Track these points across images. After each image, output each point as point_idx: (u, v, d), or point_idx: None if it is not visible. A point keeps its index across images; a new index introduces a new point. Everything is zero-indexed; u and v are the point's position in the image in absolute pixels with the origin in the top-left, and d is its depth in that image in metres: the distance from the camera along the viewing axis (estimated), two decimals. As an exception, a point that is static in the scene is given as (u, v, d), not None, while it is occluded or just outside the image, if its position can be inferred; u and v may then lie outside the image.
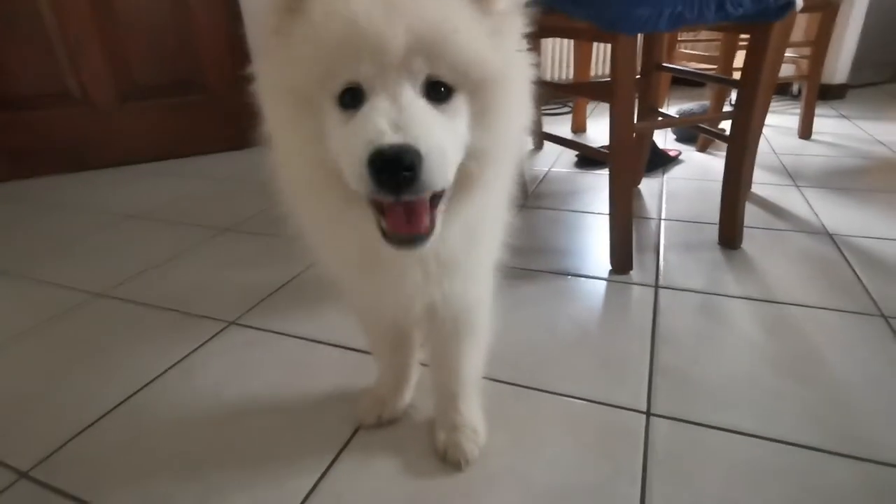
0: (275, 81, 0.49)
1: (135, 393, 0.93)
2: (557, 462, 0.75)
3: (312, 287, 1.25)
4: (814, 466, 0.73)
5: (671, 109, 2.47)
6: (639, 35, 1.16)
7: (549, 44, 3.10)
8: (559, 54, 3.19)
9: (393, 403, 0.84)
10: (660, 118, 1.71)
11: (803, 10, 1.25)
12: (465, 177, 0.48)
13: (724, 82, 1.76)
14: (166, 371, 0.98)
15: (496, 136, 0.48)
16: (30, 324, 1.16)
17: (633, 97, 1.15)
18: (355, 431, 0.82)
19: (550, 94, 2.44)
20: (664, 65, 1.63)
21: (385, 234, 0.47)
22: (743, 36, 2.15)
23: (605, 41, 1.29)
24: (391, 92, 0.43)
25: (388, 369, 0.84)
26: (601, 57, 3.29)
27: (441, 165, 0.43)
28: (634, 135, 1.22)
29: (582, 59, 2.52)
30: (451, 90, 0.45)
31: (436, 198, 0.47)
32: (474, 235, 0.58)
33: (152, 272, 1.37)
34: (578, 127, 2.62)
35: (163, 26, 2.32)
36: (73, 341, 1.10)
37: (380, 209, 0.47)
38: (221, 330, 1.10)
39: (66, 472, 0.78)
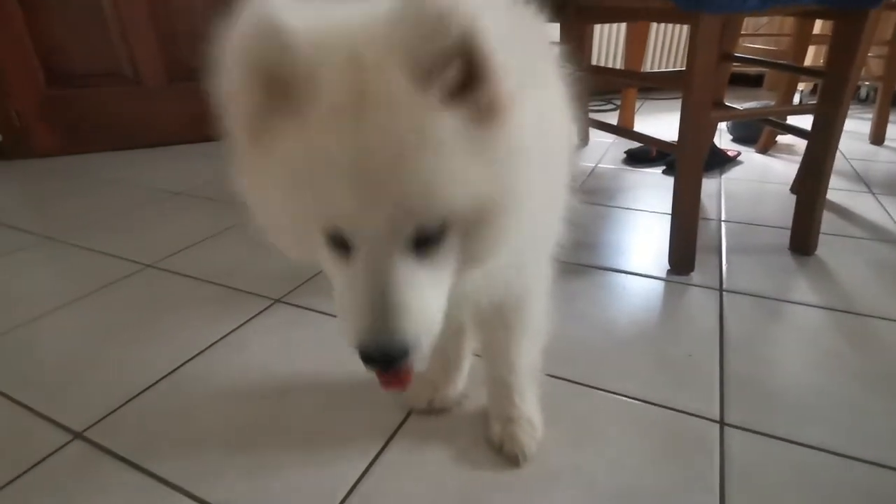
0: (257, 190, 0.44)
1: (185, 363, 0.92)
2: (622, 463, 0.70)
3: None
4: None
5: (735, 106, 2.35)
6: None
7: (596, 32, 2.96)
8: (608, 45, 3.05)
9: (444, 390, 0.79)
10: (727, 110, 1.62)
11: (882, 8, 1.15)
12: (467, 267, 0.43)
13: (808, 72, 1.65)
14: (214, 343, 0.97)
15: (490, 244, 0.42)
16: (83, 290, 1.16)
17: (711, 85, 1.08)
18: (406, 418, 0.78)
19: (604, 84, 2.35)
20: (734, 54, 1.54)
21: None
22: (816, 31, 2.04)
23: (684, 22, 1.22)
24: (375, 252, 0.39)
25: (439, 355, 0.80)
26: (656, 48, 3.17)
27: (425, 337, 0.41)
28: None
29: (635, 49, 2.40)
30: (443, 230, 0.39)
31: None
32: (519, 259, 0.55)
33: (199, 247, 1.37)
34: (626, 124, 2.51)
35: (210, 9, 2.32)
36: (124, 309, 1.09)
37: None
38: (267, 307, 1.08)
39: (118, 435, 0.77)
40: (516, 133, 0.37)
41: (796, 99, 2.55)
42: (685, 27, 2.97)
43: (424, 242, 0.39)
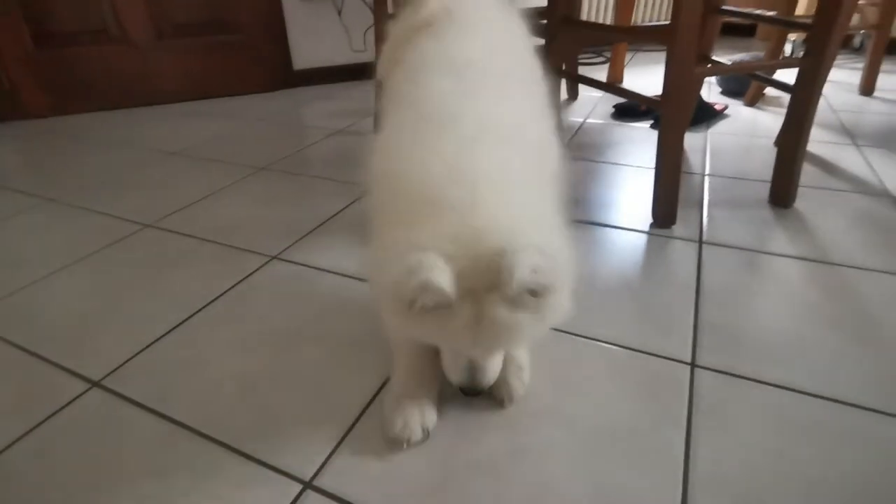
0: (400, 330, 0.71)
1: (189, 317, 0.97)
2: (601, 405, 0.76)
3: (351, 226, 1.27)
4: (868, 426, 0.72)
5: (721, 59, 2.35)
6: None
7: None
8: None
9: (431, 411, 0.74)
10: (712, 65, 1.63)
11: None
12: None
13: (795, 26, 1.65)
14: (215, 299, 1.02)
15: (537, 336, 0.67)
16: (86, 251, 1.20)
17: (696, 40, 1.09)
18: (400, 366, 0.83)
19: (591, 40, 2.33)
20: (723, 7, 1.54)
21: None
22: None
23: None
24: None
25: (417, 377, 0.76)
26: (646, 2, 3.12)
27: (493, 379, 0.72)
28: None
29: (624, 3, 2.38)
30: None
31: None
32: None
33: (197, 206, 1.40)
34: (615, 77, 2.51)
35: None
36: (127, 268, 1.14)
37: None
38: (265, 263, 1.12)
39: (134, 383, 0.82)
40: (554, 304, 0.60)
41: (788, 49, 2.55)
42: None
43: None
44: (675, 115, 1.17)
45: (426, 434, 0.72)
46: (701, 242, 1.17)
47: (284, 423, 0.75)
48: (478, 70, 0.74)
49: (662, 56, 1.13)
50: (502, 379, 0.75)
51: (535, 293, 0.56)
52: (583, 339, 0.89)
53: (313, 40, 2.56)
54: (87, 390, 0.81)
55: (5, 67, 2.09)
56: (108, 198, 1.46)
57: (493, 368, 0.71)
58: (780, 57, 2.11)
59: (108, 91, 2.29)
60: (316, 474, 0.67)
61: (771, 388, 0.78)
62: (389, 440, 0.71)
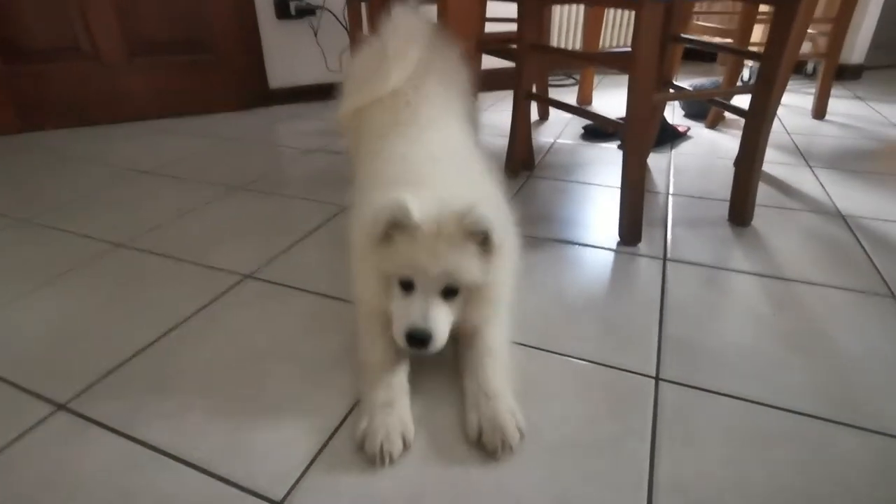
0: (369, 268, 0.81)
1: (161, 336, 0.97)
2: (567, 418, 0.79)
3: (324, 244, 1.28)
4: (818, 434, 0.76)
5: (682, 84, 2.44)
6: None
7: (557, 11, 3.02)
8: (567, 23, 3.11)
9: (409, 420, 0.76)
10: (674, 91, 1.70)
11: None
12: (466, 319, 0.82)
13: (747, 55, 1.74)
14: (188, 318, 1.01)
15: (484, 308, 0.82)
16: (56, 270, 1.19)
17: (655, 68, 1.15)
18: (372, 383, 0.84)
19: (560, 63, 2.40)
20: (682, 36, 1.62)
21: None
22: (762, 9, 2.13)
23: (629, 7, 1.28)
24: (426, 291, 0.77)
25: (386, 388, 0.78)
26: (613, 26, 3.23)
27: (440, 340, 0.77)
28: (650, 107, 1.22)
29: (592, 29, 2.47)
30: (457, 290, 0.78)
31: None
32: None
33: (168, 226, 1.39)
34: (584, 99, 2.59)
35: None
36: (98, 289, 1.12)
37: None
38: (237, 283, 1.13)
39: (102, 405, 0.81)
40: (499, 261, 0.79)
41: (746, 73, 2.67)
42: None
43: (447, 294, 0.78)
44: (637, 137, 1.22)
45: (408, 445, 0.73)
46: (665, 260, 1.21)
47: (256, 443, 0.75)
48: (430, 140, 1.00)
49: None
50: (495, 425, 0.72)
51: (485, 236, 0.74)
52: (550, 353, 0.91)
53: (289, 60, 2.59)
54: (52, 413, 0.80)
55: (-29, 83, 2.06)
56: (78, 217, 1.44)
57: (439, 317, 0.77)
58: (739, 80, 2.22)
59: (79, 108, 2.26)
60: (288, 494, 0.68)
61: (730, 399, 0.82)
62: (371, 456, 0.71)
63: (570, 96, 2.66)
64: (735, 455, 0.73)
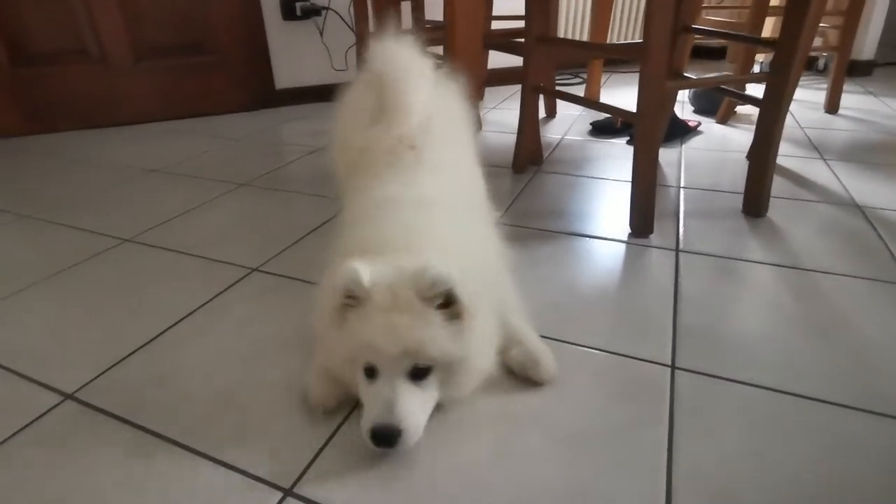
0: (329, 353, 0.74)
1: (167, 329, 0.96)
2: (582, 408, 0.76)
3: (332, 239, 1.26)
4: (838, 422, 0.74)
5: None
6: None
7: (563, 4, 2.98)
8: (574, 16, 3.07)
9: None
10: (683, 80, 1.68)
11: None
12: (448, 397, 0.73)
13: (761, 43, 1.71)
14: (195, 311, 1.00)
15: (461, 384, 0.73)
16: (62, 265, 1.18)
17: (667, 55, 1.13)
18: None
19: (567, 60, 2.38)
20: (693, 27, 1.60)
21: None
22: (773, 3, 2.11)
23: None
24: (390, 376, 0.67)
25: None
26: (621, 20, 3.19)
27: (414, 433, 0.67)
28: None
29: (600, 22, 2.44)
30: (429, 369, 0.69)
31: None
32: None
33: (176, 221, 1.39)
34: (591, 96, 2.57)
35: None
36: (104, 281, 1.12)
37: None
38: (245, 276, 1.12)
39: (109, 395, 0.80)
40: (469, 329, 0.68)
41: (756, 69, 2.64)
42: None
43: (417, 375, 0.68)
44: (649, 127, 1.20)
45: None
46: (678, 251, 1.19)
47: (264, 432, 0.74)
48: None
49: (636, 77, 1.17)
50: (535, 358, 0.79)
51: (447, 300, 0.66)
52: (563, 343, 0.89)
53: (295, 60, 2.59)
54: (59, 403, 0.79)
55: (-22, 85, 2.07)
56: (84, 214, 1.44)
57: (408, 407, 0.66)
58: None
59: (85, 110, 2.27)
60: (296, 482, 0.66)
61: (748, 387, 0.80)
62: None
63: (577, 93, 2.64)
64: (754, 443, 0.70)
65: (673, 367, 0.84)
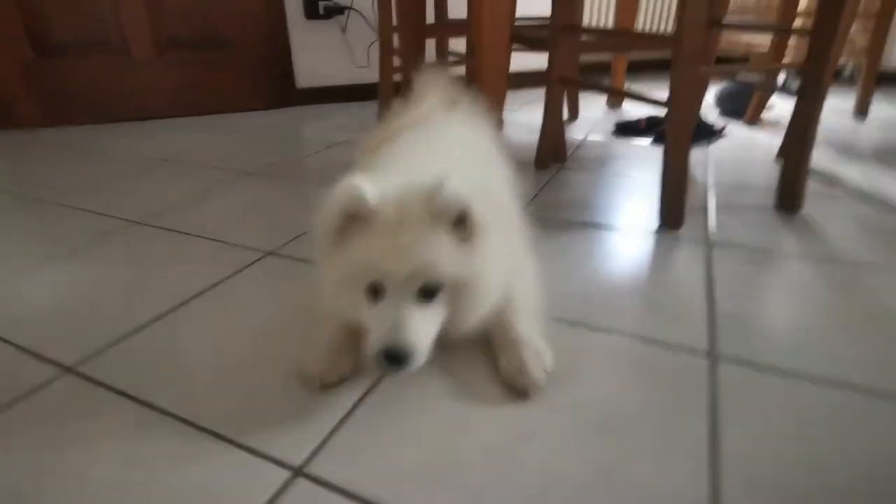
0: (331, 275, 0.68)
1: (176, 307, 0.92)
2: (613, 392, 0.71)
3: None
4: (886, 413, 0.68)
5: (715, 84, 2.37)
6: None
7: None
8: (598, 9, 2.96)
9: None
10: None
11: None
12: (454, 323, 0.68)
13: (797, 32, 1.66)
14: (205, 291, 0.96)
15: (469, 308, 0.68)
16: (71, 245, 1.15)
17: (701, 41, 1.09)
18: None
19: (594, 48, 2.31)
20: (723, 22, 1.55)
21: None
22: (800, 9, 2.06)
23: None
24: (397, 297, 0.63)
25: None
26: (647, 14, 3.06)
27: (421, 354, 0.63)
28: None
29: (625, 13, 2.39)
30: (436, 290, 0.65)
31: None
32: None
33: (188, 205, 1.36)
34: (614, 101, 2.54)
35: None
36: (112, 261, 1.09)
37: None
38: (258, 259, 1.08)
39: (110, 370, 0.76)
40: (480, 250, 0.65)
41: (781, 78, 2.58)
42: None
43: (426, 295, 0.64)
44: (682, 114, 1.15)
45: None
46: (709, 243, 1.13)
47: (274, 410, 0.69)
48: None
49: (661, 83, 1.13)
50: (519, 367, 0.69)
51: (461, 218, 0.63)
52: (589, 329, 0.84)
53: (317, 58, 2.58)
54: (58, 376, 0.75)
55: (1, 77, 2.07)
56: (95, 198, 1.42)
57: (417, 328, 0.63)
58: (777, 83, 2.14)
59: (104, 104, 2.27)
60: (307, 461, 0.61)
61: (791, 377, 0.74)
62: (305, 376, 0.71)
63: (598, 100, 2.61)
64: (803, 434, 0.64)
65: (711, 354, 0.78)
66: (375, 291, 0.65)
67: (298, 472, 0.60)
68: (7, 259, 1.10)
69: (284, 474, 0.60)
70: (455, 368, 0.75)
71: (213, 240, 1.16)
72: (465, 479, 0.59)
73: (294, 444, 0.63)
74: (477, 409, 0.69)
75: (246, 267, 1.04)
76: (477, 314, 0.69)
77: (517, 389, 0.70)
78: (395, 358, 0.62)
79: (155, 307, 0.91)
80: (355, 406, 0.69)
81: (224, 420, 0.67)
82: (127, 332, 0.85)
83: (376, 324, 0.64)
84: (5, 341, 0.82)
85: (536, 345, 0.72)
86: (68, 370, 0.76)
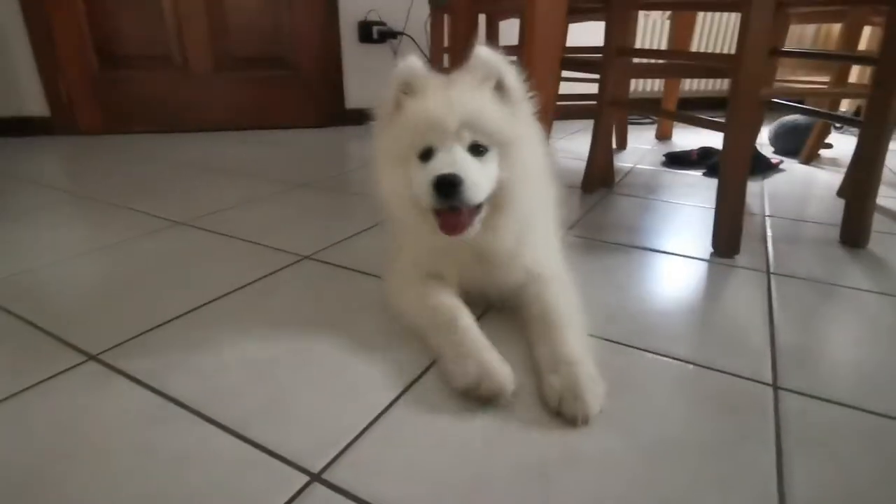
0: (386, 146, 0.76)
1: (209, 302, 0.90)
2: (668, 419, 0.64)
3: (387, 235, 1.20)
4: None
5: (768, 124, 2.29)
6: None
7: (641, 23, 2.86)
8: (651, 35, 2.95)
9: (495, 370, 0.66)
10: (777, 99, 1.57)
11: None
12: (500, 198, 0.73)
13: (859, 60, 1.58)
14: (240, 288, 0.95)
15: (515, 173, 0.73)
16: (113, 239, 1.17)
17: (761, 64, 1.04)
18: (429, 366, 0.73)
19: (647, 72, 2.26)
20: (783, 49, 1.50)
21: (439, 230, 0.71)
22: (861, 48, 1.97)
23: (733, 9, 1.19)
24: (448, 149, 0.70)
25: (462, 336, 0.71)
26: (701, 41, 3.04)
27: (475, 188, 0.68)
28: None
29: (679, 40, 2.31)
30: (486, 148, 0.71)
31: (475, 210, 0.72)
32: (522, 238, 0.79)
33: (231, 210, 1.37)
34: (664, 134, 2.48)
35: (264, 6, 2.39)
36: (152, 257, 1.09)
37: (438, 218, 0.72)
38: (296, 261, 1.06)
39: (135, 360, 0.74)
40: (522, 114, 0.75)
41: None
42: (732, 23, 2.87)
43: (477, 151, 0.71)
44: (740, 138, 1.09)
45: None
46: (769, 272, 1.05)
47: (296, 411, 0.65)
48: None
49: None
50: (574, 390, 0.62)
51: (500, 85, 0.72)
52: (641, 351, 0.78)
53: (366, 80, 2.62)
54: (82, 362, 0.73)
55: (66, 84, 2.17)
56: (143, 199, 1.44)
57: (469, 165, 0.69)
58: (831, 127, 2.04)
59: (162, 115, 2.36)
60: (326, 467, 0.57)
61: (862, 413, 0.66)
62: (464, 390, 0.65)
63: (648, 133, 2.55)
64: (876, 474, 0.57)
65: (775, 386, 0.71)
66: (426, 157, 0.71)
67: (316, 477, 0.56)
68: (53, 248, 1.12)
69: (301, 479, 0.55)
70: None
71: (253, 242, 1.15)
72: (503, 498, 0.53)
73: (316, 448, 0.59)
74: (514, 424, 0.63)
75: (281, 269, 1.03)
76: (520, 174, 0.73)
77: (565, 415, 0.62)
78: (447, 183, 0.66)
79: (188, 301, 0.90)
80: (386, 409, 0.65)
81: (244, 416, 0.63)
82: (158, 323, 0.83)
83: (428, 174, 0.68)
84: (36, 326, 0.82)
85: (590, 368, 0.65)
86: (92, 357, 0.74)
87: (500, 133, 0.71)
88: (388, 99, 0.74)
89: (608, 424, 0.63)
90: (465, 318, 0.74)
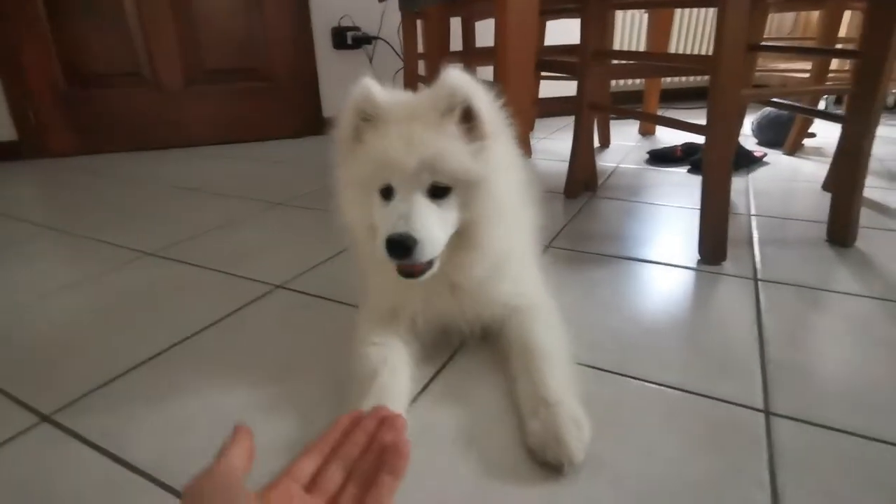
0: (347, 177, 0.72)
1: (171, 346, 0.85)
2: (656, 455, 0.61)
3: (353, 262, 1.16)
4: None
5: (750, 115, 2.27)
6: None
7: (617, 23, 2.85)
8: (629, 32, 2.93)
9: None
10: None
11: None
12: (466, 239, 0.69)
13: (842, 54, 1.56)
14: (208, 327, 0.91)
15: (483, 212, 0.68)
16: (79, 277, 1.12)
17: (741, 63, 1.01)
18: (418, 395, 0.70)
19: (625, 74, 2.23)
20: (761, 44, 1.47)
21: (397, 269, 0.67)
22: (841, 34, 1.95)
23: (710, 5, 1.16)
24: (407, 193, 0.65)
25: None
26: (679, 41, 3.03)
27: (429, 246, 0.64)
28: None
29: (657, 36, 2.28)
30: (448, 189, 0.66)
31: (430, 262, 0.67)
32: (497, 272, 0.75)
33: (204, 237, 1.32)
34: (647, 130, 2.45)
35: (234, 16, 2.33)
36: (119, 294, 1.04)
37: None
38: (268, 292, 1.02)
39: (90, 419, 0.70)
40: (490, 149, 0.67)
41: (822, 104, 2.46)
42: (710, 20, 2.86)
43: (437, 193, 0.66)
44: (721, 141, 1.06)
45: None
46: (756, 279, 1.03)
47: (265, 468, 0.61)
48: None
49: (695, 111, 1.05)
50: (555, 434, 0.58)
51: (466, 112, 0.65)
52: (629, 379, 0.75)
53: (343, 87, 2.55)
54: (34, 425, 0.69)
55: (34, 106, 2.11)
56: (112, 228, 1.39)
57: (425, 219, 0.63)
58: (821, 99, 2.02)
59: (134, 133, 2.30)
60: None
61: (864, 440, 0.63)
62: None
63: (630, 129, 2.52)
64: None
65: (767, 412, 0.68)
66: (386, 194, 0.66)
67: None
68: (13, 291, 1.07)
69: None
70: (474, 429, 0.67)
71: (223, 272, 1.11)
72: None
73: None
74: (501, 469, 0.60)
75: (254, 300, 0.99)
76: (491, 217, 0.68)
77: (550, 462, 0.58)
78: (398, 245, 0.62)
79: (149, 346, 0.85)
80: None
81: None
82: (116, 374, 0.79)
83: (385, 220, 0.65)
84: (-8, 381, 0.77)
85: (573, 410, 0.61)
86: (45, 418, 0.70)
87: (464, 174, 0.65)
88: (345, 126, 0.69)
89: (595, 469, 0.59)
90: (386, 376, 0.67)
